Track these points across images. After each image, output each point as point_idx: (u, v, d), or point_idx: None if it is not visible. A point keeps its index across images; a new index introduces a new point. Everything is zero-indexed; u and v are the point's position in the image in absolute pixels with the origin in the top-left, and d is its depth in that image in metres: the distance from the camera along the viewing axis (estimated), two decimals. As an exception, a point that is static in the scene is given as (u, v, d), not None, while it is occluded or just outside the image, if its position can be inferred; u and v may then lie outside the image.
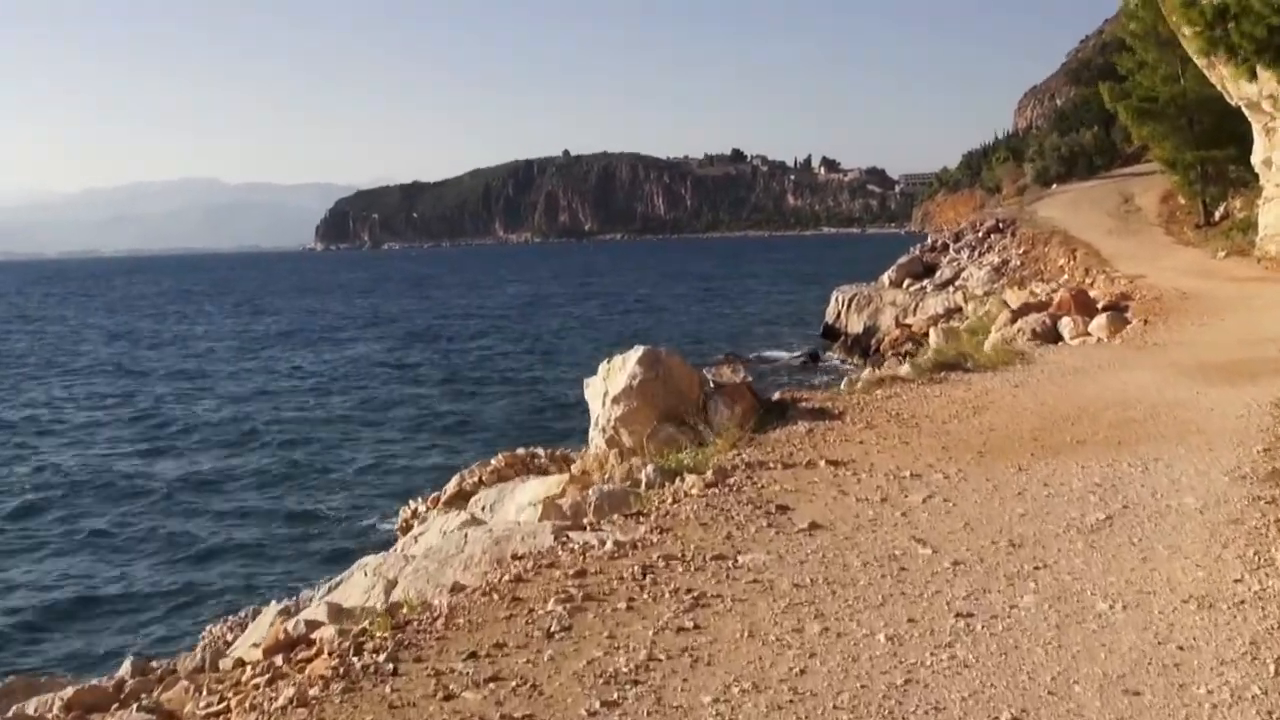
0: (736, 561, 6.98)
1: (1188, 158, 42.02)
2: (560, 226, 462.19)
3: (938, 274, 51.06)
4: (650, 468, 9.79)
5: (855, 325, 50.07)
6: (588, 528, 7.97)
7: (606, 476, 11.77)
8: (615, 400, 12.49)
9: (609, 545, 7.30)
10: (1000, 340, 25.50)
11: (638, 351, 12.62)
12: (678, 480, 9.57)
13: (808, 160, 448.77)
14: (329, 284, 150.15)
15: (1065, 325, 24.11)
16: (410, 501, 15.55)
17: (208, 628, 12.25)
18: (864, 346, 47.09)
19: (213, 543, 21.78)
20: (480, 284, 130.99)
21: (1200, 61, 34.15)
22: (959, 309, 42.51)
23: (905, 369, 15.79)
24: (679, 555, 7.15)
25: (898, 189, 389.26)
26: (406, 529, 14.19)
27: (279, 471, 28.20)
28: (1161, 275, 30.32)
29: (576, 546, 7.41)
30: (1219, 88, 34.03)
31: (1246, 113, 33.33)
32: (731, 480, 9.32)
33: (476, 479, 14.17)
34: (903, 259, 55.38)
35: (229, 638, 11.20)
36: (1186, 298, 25.72)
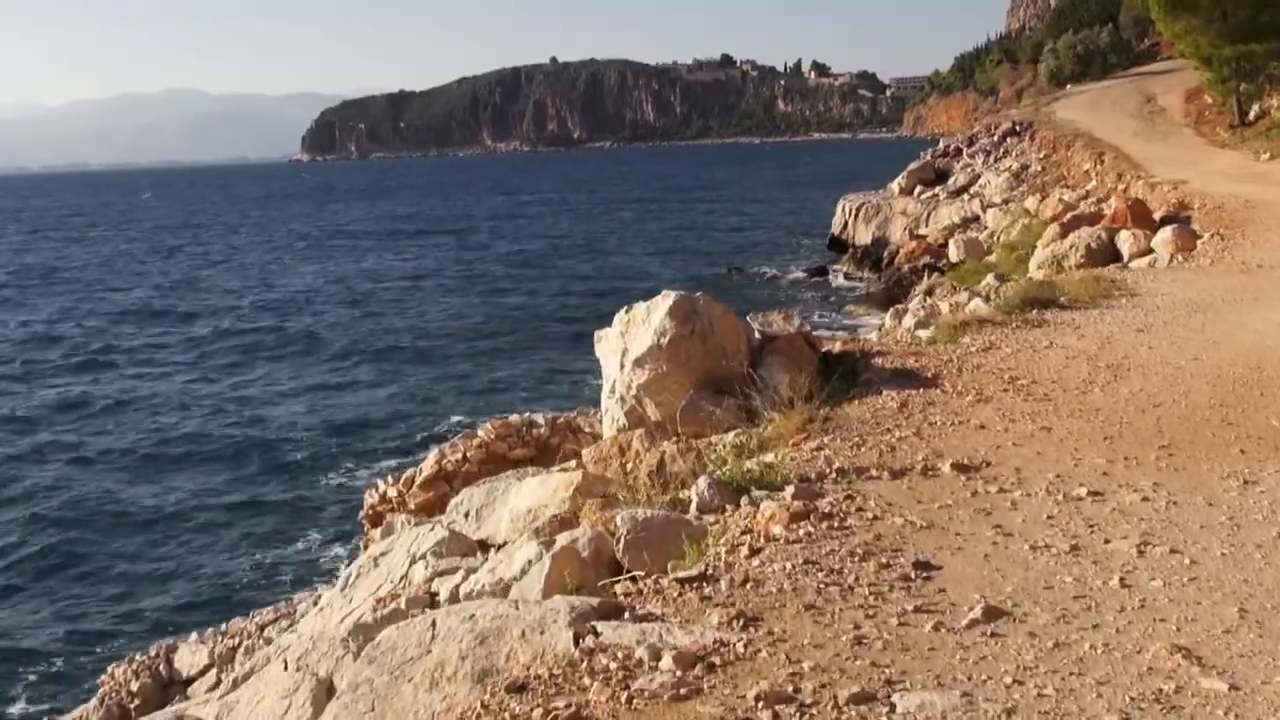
0: (894, 709, 4.05)
1: (1224, 52, 38.86)
2: (549, 135, 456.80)
3: (951, 180, 48.26)
4: (705, 483, 6.82)
5: (863, 236, 47.25)
6: (625, 611, 5.04)
7: (630, 469, 8.85)
8: (639, 363, 9.52)
9: (666, 665, 4.39)
10: (1050, 257, 22.68)
11: (667, 299, 9.62)
12: (745, 501, 6.61)
13: (798, 65, 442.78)
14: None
15: (1124, 241, 21.28)
16: (379, 482, 12.59)
17: (111, 669, 9.41)
18: (875, 259, 44.36)
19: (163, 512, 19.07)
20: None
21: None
22: (976, 218, 39.77)
23: (986, 306, 12.83)
24: (789, 689, 4.19)
25: (889, 93, 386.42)
26: (375, 520, 11.29)
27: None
28: (1207, 181, 27.55)
29: (613, 665, 4.48)
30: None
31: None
32: (826, 504, 6.36)
33: (460, 456, 11.27)
34: (913, 165, 52.36)
35: (132, 686, 8.40)
36: (1253, 206, 22.83)
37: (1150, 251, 20.36)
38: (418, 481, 11.72)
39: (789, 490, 6.62)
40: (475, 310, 40.41)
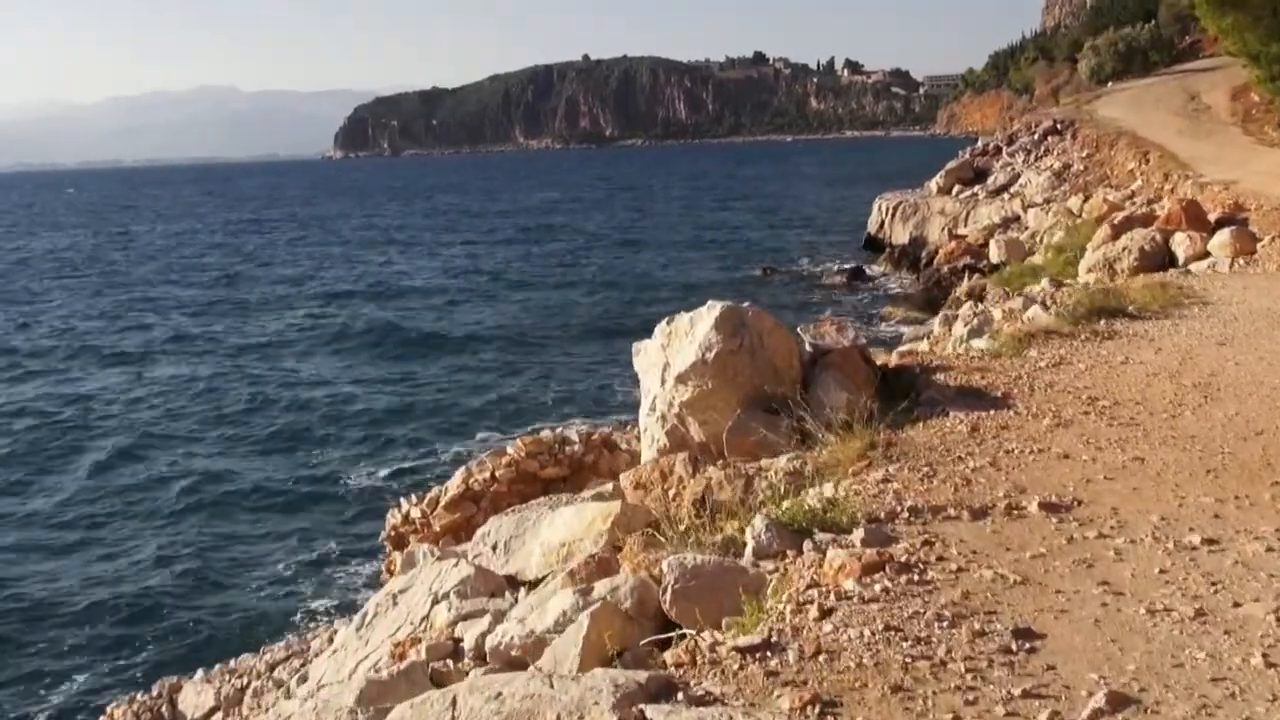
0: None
1: (1273, 49, 37.76)
2: (581, 132, 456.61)
3: (990, 179, 47.47)
4: (762, 524, 6.03)
5: (900, 236, 46.46)
6: (677, 689, 4.29)
7: (672, 496, 8.10)
8: (681, 379, 8.74)
9: (734, 766, 3.66)
10: (1102, 260, 21.84)
11: (713, 310, 8.83)
12: (808, 546, 5.83)
13: (830, 62, 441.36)
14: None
15: (1179, 243, 20.42)
16: (402, 501, 11.83)
17: (110, 710, 8.71)
18: (912, 259, 43.57)
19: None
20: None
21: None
22: (1017, 218, 38.99)
23: (1046, 315, 12.01)
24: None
25: (922, 91, 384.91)
26: (397, 541, 10.55)
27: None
28: (1259, 181, 26.68)
29: (669, 768, 3.75)
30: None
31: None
32: (902, 551, 5.57)
33: (488, 475, 10.51)
34: (951, 164, 51.48)
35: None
36: (1315, 209, 21.86)
37: (1207, 255, 19.54)
38: (443, 502, 11.00)
39: (858, 533, 5.84)
40: (504, 311, 39.60)
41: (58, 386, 29.51)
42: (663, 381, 9.04)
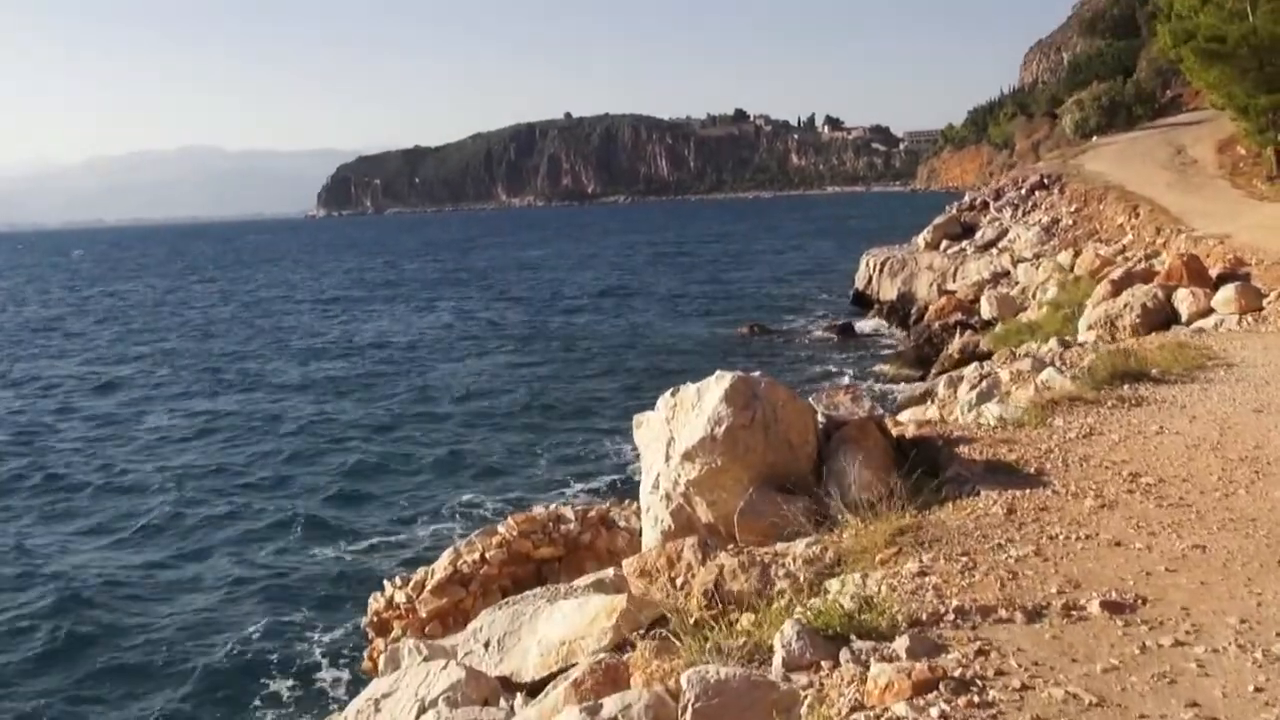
0: None
1: (1261, 102, 37.74)
2: (563, 189, 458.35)
3: (978, 234, 47.28)
4: (793, 631, 5.35)
5: (889, 292, 46.12)
6: None
7: (680, 584, 7.42)
8: (689, 456, 8.08)
9: None
10: (1103, 317, 21.33)
11: (723, 381, 8.18)
12: (845, 657, 5.15)
13: (811, 119, 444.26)
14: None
15: (1182, 300, 19.94)
16: (386, 584, 11.06)
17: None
18: (902, 315, 43.21)
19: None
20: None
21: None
22: (1007, 273, 38.68)
23: (1061, 377, 11.40)
24: None
25: (902, 146, 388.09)
26: (380, 628, 9.81)
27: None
28: (1253, 235, 26.43)
29: None
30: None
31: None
32: (954, 664, 4.89)
33: (478, 556, 9.81)
34: (938, 219, 51.29)
35: None
36: (1317, 263, 21.49)
37: (1211, 311, 19.07)
38: (429, 585, 10.26)
39: (901, 641, 5.16)
40: (485, 373, 38.53)
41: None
42: (667, 458, 8.38)
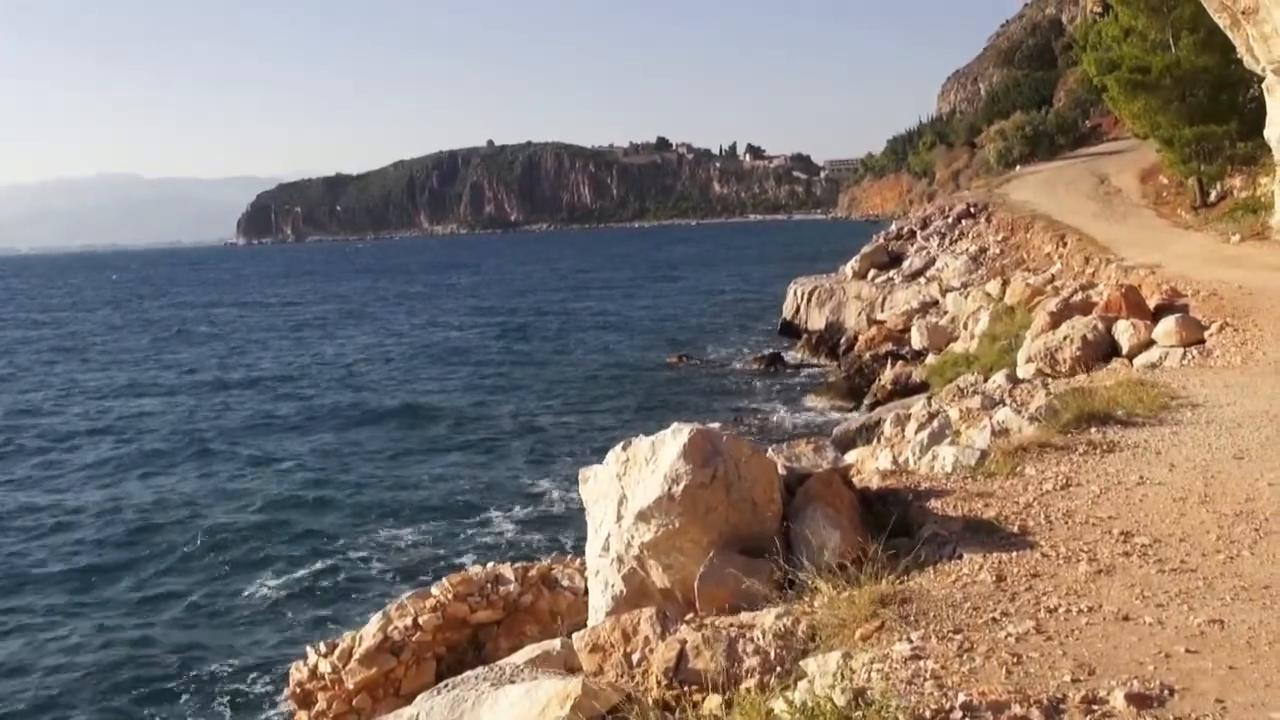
0: None
1: (1185, 133, 37.99)
2: (486, 217, 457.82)
3: (906, 263, 47.31)
4: (781, 737, 4.67)
5: (817, 321, 45.92)
6: None
7: (639, 661, 6.73)
8: (643, 516, 7.39)
9: None
10: (1043, 350, 21.00)
11: (680, 435, 7.48)
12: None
13: (733, 148, 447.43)
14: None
15: (1122, 332, 19.69)
16: (309, 652, 10.18)
17: None
18: (830, 345, 42.97)
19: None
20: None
21: (1222, 20, 30.21)
22: (936, 302, 38.61)
23: (1032, 427, 10.83)
24: None
25: (823, 175, 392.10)
26: (303, 700, 8.98)
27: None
28: (1183, 265, 26.37)
29: None
30: (1242, 51, 29.86)
31: (1272, 79, 29.26)
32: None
33: (410, 621, 9.01)
34: (866, 248, 51.33)
35: None
36: (1250, 293, 21.44)
37: (1152, 343, 18.83)
38: (357, 654, 9.45)
39: (907, 752, 4.50)
40: (390, 408, 37.26)
41: None
42: (619, 517, 7.68)
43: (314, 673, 9.75)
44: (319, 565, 19.57)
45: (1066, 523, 7.56)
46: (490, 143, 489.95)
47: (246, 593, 18.49)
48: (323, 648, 10.01)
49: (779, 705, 5.21)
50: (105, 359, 56.82)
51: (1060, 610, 6.06)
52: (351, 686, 9.33)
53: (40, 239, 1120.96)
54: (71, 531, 23.22)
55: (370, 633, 9.68)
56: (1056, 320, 22.24)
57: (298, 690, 9.76)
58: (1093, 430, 10.28)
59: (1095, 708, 4.85)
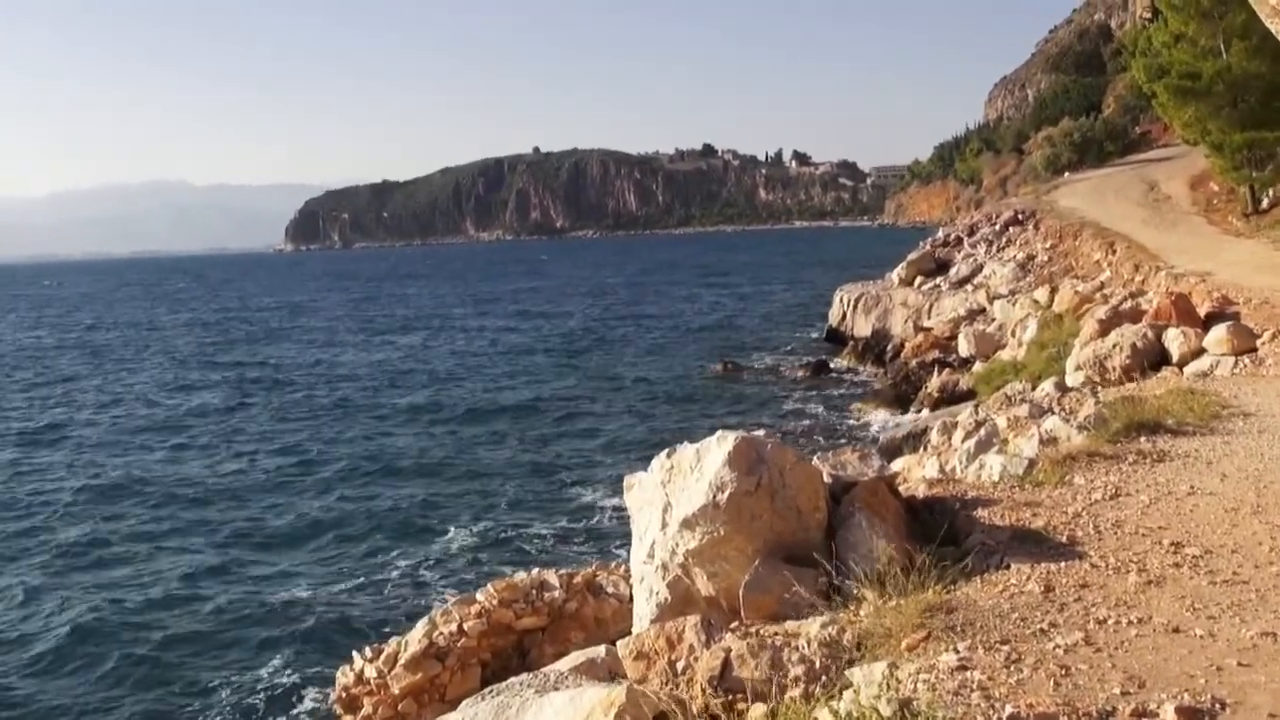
0: None
1: (1236, 140, 37.56)
2: (532, 224, 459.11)
3: (953, 271, 46.91)
4: (830, 748, 4.66)
5: (863, 328, 45.74)
6: None
7: (683, 669, 6.72)
8: (688, 524, 7.38)
9: None
10: (1092, 358, 20.80)
11: (725, 442, 7.47)
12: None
13: (779, 154, 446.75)
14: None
15: (1172, 340, 19.45)
16: (355, 657, 10.24)
17: None
18: (877, 352, 42.79)
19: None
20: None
21: (1275, 26, 29.78)
22: (983, 309, 38.36)
23: (1080, 436, 10.74)
24: None
25: (869, 181, 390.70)
26: (350, 705, 9.02)
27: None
28: (1234, 272, 26.10)
29: None
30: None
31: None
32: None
33: (455, 627, 9.04)
34: (912, 255, 50.97)
35: None
36: (1306, 302, 21.09)
37: (1203, 352, 18.59)
38: (402, 659, 9.50)
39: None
40: (426, 416, 37.09)
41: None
42: (664, 525, 7.68)
43: (360, 677, 9.80)
44: (363, 569, 19.61)
45: (1116, 533, 7.49)
46: (536, 149, 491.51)
47: (291, 595, 18.59)
48: (368, 653, 10.07)
49: (824, 715, 5.19)
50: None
51: (1110, 622, 6.00)
52: (397, 692, 9.38)
53: (89, 245, 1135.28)
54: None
55: (416, 638, 9.73)
56: (1106, 328, 22.02)
57: (343, 695, 9.82)
58: (1142, 439, 10.19)
59: (1146, 721, 4.80)
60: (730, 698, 6.27)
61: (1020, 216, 50.05)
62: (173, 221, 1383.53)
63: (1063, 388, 16.39)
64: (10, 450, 33.63)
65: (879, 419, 31.89)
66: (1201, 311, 21.12)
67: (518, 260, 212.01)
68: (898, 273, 49.03)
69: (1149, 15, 68.26)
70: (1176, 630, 5.82)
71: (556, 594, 10.06)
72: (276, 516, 24.28)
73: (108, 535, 23.33)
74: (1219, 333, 18.59)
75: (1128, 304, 24.04)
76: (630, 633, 7.89)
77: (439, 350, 57.91)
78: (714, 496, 7.31)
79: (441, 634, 9.61)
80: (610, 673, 7.18)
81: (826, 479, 8.21)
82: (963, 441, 13.95)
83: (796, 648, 6.42)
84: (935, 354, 36.60)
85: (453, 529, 22.18)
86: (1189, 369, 18.05)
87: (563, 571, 10.72)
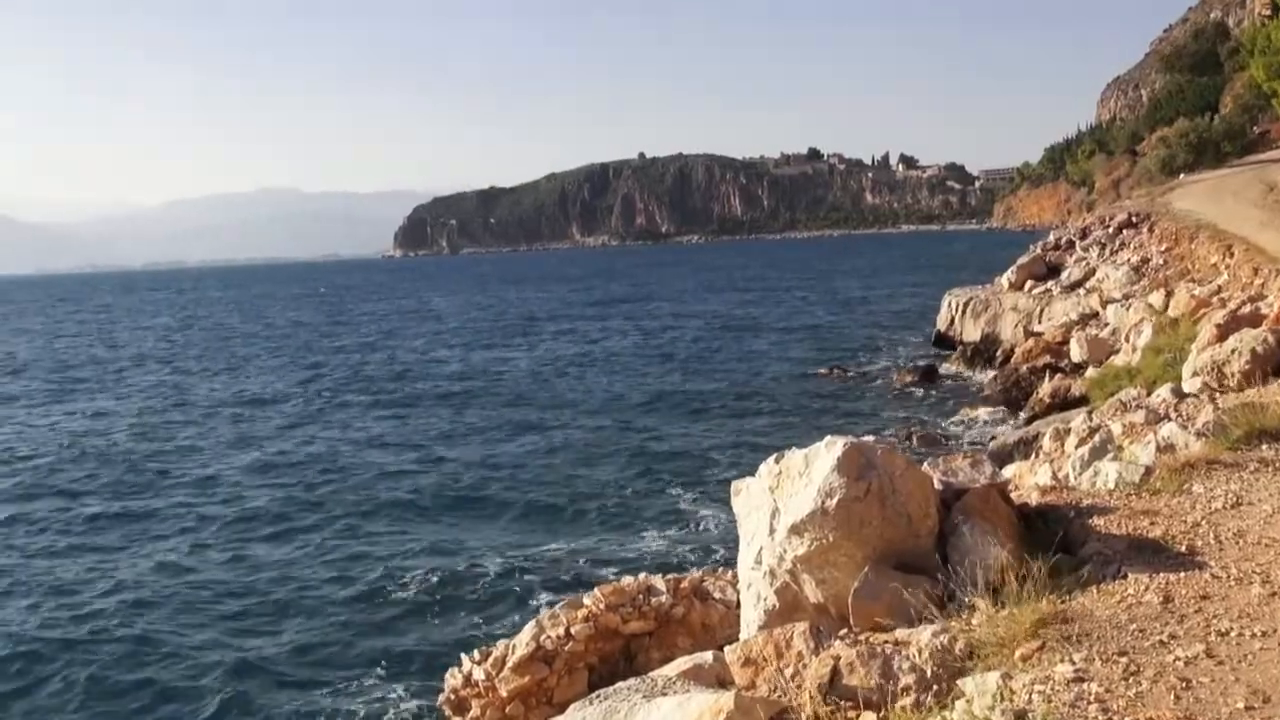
0: None
1: (1362, 139, 36.46)
2: (637, 229, 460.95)
3: (1064, 274, 46.09)
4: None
5: (972, 333, 45.11)
6: None
7: (792, 675, 6.67)
8: (796, 530, 7.32)
9: None
10: (1209, 363, 20.30)
11: (833, 448, 7.40)
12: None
13: (885, 158, 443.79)
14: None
15: (1296, 344, 18.85)
16: (464, 659, 10.33)
17: None
18: (987, 356, 42.17)
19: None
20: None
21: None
22: (1096, 314, 37.61)
23: (1199, 443, 10.49)
24: None
25: (977, 184, 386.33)
26: (458, 707, 9.10)
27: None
28: (1362, 278, 25.11)
29: None
30: None
31: None
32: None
33: (562, 631, 9.07)
34: (1022, 259, 50.21)
35: None
36: None
37: (1327, 357, 18.02)
38: (510, 662, 9.55)
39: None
40: (531, 420, 37.30)
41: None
42: (771, 530, 7.62)
43: (468, 679, 9.87)
44: (468, 572, 19.72)
45: (1238, 543, 7.29)
46: (641, 155, 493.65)
47: (395, 596, 18.78)
48: (477, 655, 10.14)
49: (939, 728, 5.11)
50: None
51: (1232, 634, 5.84)
52: (505, 694, 9.43)
53: (204, 252, 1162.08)
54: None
55: (523, 641, 9.78)
56: (1224, 333, 21.49)
57: (452, 696, 9.89)
58: (1264, 447, 9.91)
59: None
60: (839, 705, 6.21)
61: (1134, 219, 49.06)
62: (285, 229, 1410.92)
63: (1179, 394, 16.01)
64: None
65: (989, 425, 31.44)
66: (1324, 316, 20.56)
67: (629, 265, 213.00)
68: (1007, 277, 48.33)
69: (1268, 12, 66.59)
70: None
71: (663, 599, 10.04)
72: (382, 514, 24.62)
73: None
74: (1349, 339, 18.09)
75: (1246, 308, 23.43)
76: (738, 639, 7.85)
77: (540, 354, 58.34)
78: (823, 503, 7.25)
79: (549, 637, 9.65)
80: (718, 679, 7.15)
81: (937, 485, 8.09)
82: (1076, 448, 13.69)
83: (907, 656, 6.33)
84: (1046, 359, 36.02)
85: (556, 534, 22.25)
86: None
87: (669, 576, 10.70)
